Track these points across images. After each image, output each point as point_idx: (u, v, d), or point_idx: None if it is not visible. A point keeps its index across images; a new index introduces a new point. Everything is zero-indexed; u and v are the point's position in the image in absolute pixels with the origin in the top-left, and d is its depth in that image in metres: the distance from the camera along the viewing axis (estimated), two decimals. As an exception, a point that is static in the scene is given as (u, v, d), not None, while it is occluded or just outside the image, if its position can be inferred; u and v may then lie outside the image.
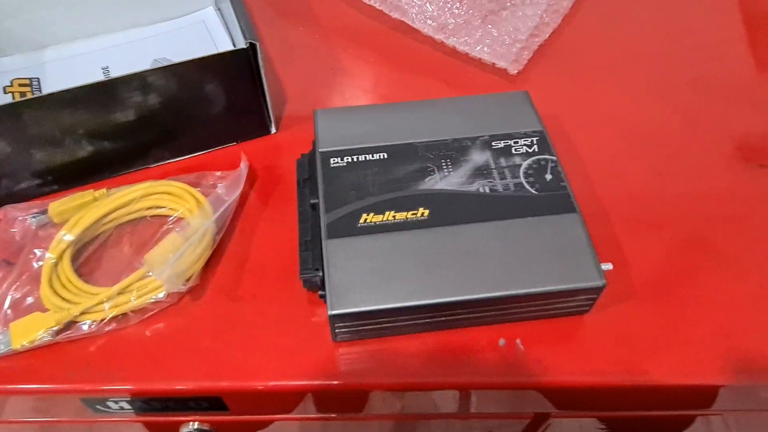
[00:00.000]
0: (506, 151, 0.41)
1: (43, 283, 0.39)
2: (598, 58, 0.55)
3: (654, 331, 0.38)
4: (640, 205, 0.45)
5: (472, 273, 0.36)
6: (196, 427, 0.42)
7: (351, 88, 0.54)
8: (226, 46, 0.55)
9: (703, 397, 0.39)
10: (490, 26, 0.53)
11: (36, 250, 0.40)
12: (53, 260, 0.39)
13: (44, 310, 0.38)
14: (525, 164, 0.40)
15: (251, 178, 0.46)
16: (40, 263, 0.40)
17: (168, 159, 0.48)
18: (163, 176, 0.45)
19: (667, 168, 0.47)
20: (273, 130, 0.50)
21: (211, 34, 0.56)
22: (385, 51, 0.56)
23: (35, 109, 0.41)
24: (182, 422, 0.42)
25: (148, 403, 0.39)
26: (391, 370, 0.37)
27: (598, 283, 0.35)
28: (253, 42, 0.43)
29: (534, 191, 0.39)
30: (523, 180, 0.40)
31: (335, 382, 0.36)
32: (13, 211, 0.43)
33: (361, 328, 0.36)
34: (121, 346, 0.38)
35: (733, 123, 0.50)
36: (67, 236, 0.40)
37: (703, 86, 0.53)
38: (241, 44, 0.44)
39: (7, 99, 0.51)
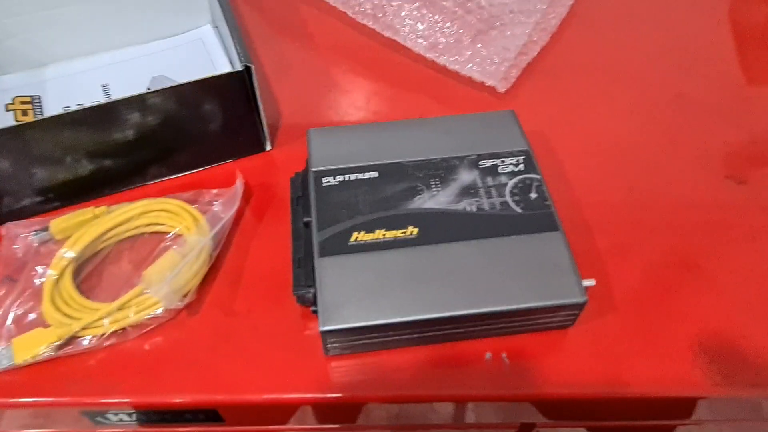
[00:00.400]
0: (493, 171, 0.43)
1: (44, 299, 0.40)
2: (584, 76, 0.57)
3: (634, 345, 0.39)
4: (623, 220, 0.46)
5: (459, 289, 0.37)
6: (193, 437, 0.44)
7: (345, 105, 0.55)
8: (223, 64, 0.56)
9: (683, 408, 0.41)
10: (479, 45, 0.55)
11: (38, 267, 0.42)
12: (55, 277, 0.41)
13: (46, 325, 0.39)
14: (511, 183, 0.42)
15: (246, 195, 0.48)
16: (42, 280, 0.41)
17: (166, 176, 0.49)
18: (161, 193, 0.46)
19: (648, 184, 0.48)
20: (268, 147, 0.51)
21: (208, 52, 0.58)
22: (378, 68, 0.58)
23: (38, 130, 0.42)
24: (180, 433, 0.44)
25: (146, 415, 0.40)
26: (382, 383, 0.38)
27: (579, 299, 0.37)
28: (248, 65, 0.44)
29: (519, 210, 0.40)
30: (508, 199, 0.41)
31: (328, 395, 0.37)
32: (15, 228, 0.44)
33: (352, 342, 0.38)
34: (120, 360, 0.39)
35: (712, 139, 0.51)
36: (68, 253, 0.42)
37: (684, 103, 0.54)
38: (238, 65, 0.46)
39: (9, 117, 0.53)
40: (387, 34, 0.58)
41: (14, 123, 0.42)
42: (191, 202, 0.45)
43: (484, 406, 0.41)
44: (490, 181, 0.42)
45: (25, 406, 0.38)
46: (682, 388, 0.38)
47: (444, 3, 0.55)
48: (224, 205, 0.44)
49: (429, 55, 0.56)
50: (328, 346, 0.37)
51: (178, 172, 0.50)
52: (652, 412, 0.41)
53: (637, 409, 0.40)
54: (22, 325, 0.39)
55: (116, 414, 0.40)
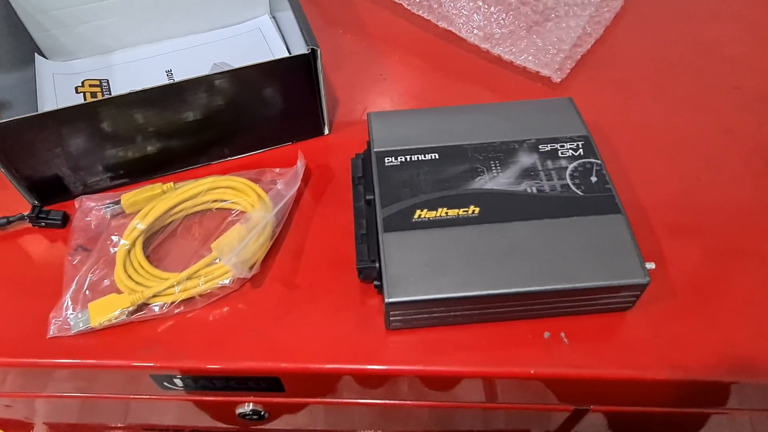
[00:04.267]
0: (553, 154, 0.43)
1: (117, 267, 0.42)
2: (638, 67, 0.57)
3: (694, 330, 0.39)
4: (679, 209, 0.46)
5: (520, 267, 0.38)
6: (251, 408, 0.45)
7: (398, 93, 0.56)
8: (280, 51, 0.58)
9: (741, 394, 0.40)
10: (534, 36, 0.55)
11: (113, 237, 0.43)
12: (127, 246, 0.43)
13: (120, 292, 0.41)
14: (571, 167, 0.42)
15: (306, 176, 0.49)
16: (115, 249, 0.43)
17: (228, 156, 0.51)
18: (223, 172, 0.48)
19: (703, 172, 0.48)
20: (326, 131, 0.53)
21: (267, 41, 0.60)
22: (432, 58, 0.59)
23: (110, 108, 0.44)
24: (239, 403, 0.45)
25: (211, 382, 0.41)
26: (442, 358, 0.39)
27: (642, 280, 0.37)
28: (314, 48, 0.46)
29: (580, 192, 0.41)
30: (569, 181, 0.41)
31: (389, 367, 0.38)
32: (88, 201, 0.46)
33: (413, 316, 0.38)
34: (188, 327, 0.40)
35: (772, 132, 0.51)
36: (139, 225, 0.43)
37: (741, 95, 0.54)
38: (297, 50, 0.47)
39: (78, 98, 0.55)
40: (442, 24, 0.59)
41: (92, 100, 0.44)
42: (255, 180, 0.47)
43: (539, 385, 0.41)
44: (550, 164, 0.43)
45: (99, 367, 0.40)
46: (742, 374, 0.38)
47: (500, -6, 0.56)
48: (286, 183, 0.46)
49: (484, 46, 0.57)
50: (391, 318, 0.38)
51: (240, 153, 0.51)
52: (709, 397, 0.40)
53: (694, 393, 0.40)
54: (97, 291, 0.41)
55: (183, 379, 0.41)
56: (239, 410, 0.45)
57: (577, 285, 0.37)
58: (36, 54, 0.56)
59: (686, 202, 0.46)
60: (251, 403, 0.45)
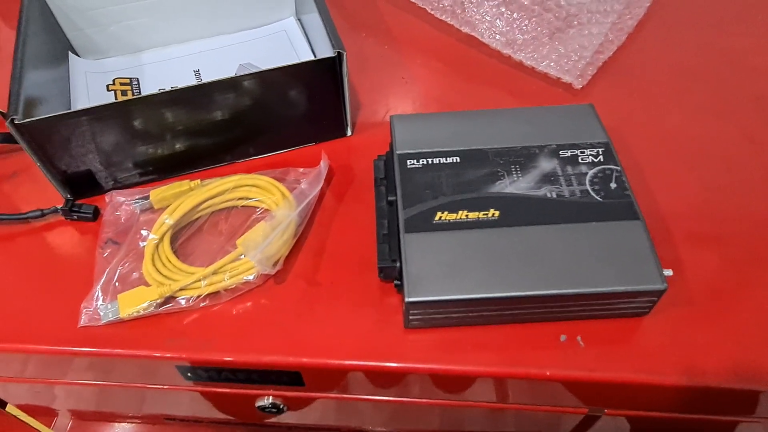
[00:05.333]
0: (573, 160, 0.44)
1: (146, 261, 0.43)
2: (660, 75, 0.57)
3: (711, 336, 0.40)
4: (698, 217, 0.46)
5: (538, 271, 0.38)
6: (270, 401, 0.46)
7: (420, 97, 0.57)
8: (306, 54, 0.59)
9: (757, 402, 0.41)
10: (557, 43, 0.56)
11: (142, 231, 0.45)
12: (156, 240, 0.44)
13: (147, 285, 0.42)
14: (591, 173, 0.43)
15: (329, 176, 0.50)
16: (144, 243, 0.44)
17: (252, 155, 0.52)
18: (247, 171, 0.49)
19: (725, 181, 0.49)
20: (349, 132, 0.54)
21: (292, 43, 0.61)
22: (454, 62, 0.60)
23: (141, 107, 0.46)
24: (259, 396, 0.46)
25: (234, 374, 0.42)
26: (458, 358, 0.40)
27: (659, 286, 0.37)
28: (341, 51, 0.47)
29: (599, 198, 0.41)
30: (588, 187, 0.42)
31: (408, 365, 0.39)
32: (118, 196, 0.48)
33: (432, 316, 0.39)
34: (213, 320, 0.42)
35: (795, 142, 0.51)
36: (167, 220, 0.45)
37: (764, 106, 0.54)
38: (324, 53, 0.48)
39: (110, 96, 0.57)
40: (465, 29, 0.59)
41: (124, 99, 0.45)
42: (279, 179, 0.48)
43: (555, 387, 0.41)
44: (570, 169, 0.43)
45: (127, 357, 0.41)
46: (759, 381, 0.38)
47: (523, 1, 0.57)
48: (310, 183, 0.47)
49: (506, 51, 0.57)
50: (410, 317, 0.39)
51: (264, 153, 0.52)
52: (724, 404, 0.41)
53: (709, 400, 0.40)
54: (126, 283, 0.43)
55: (206, 371, 0.42)
56: (259, 403, 0.47)
57: (595, 290, 0.37)
58: (69, 52, 0.58)
59: (705, 210, 0.47)
60: (271, 397, 0.46)
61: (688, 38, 0.61)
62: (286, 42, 0.62)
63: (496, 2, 0.57)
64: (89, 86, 0.57)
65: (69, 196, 0.49)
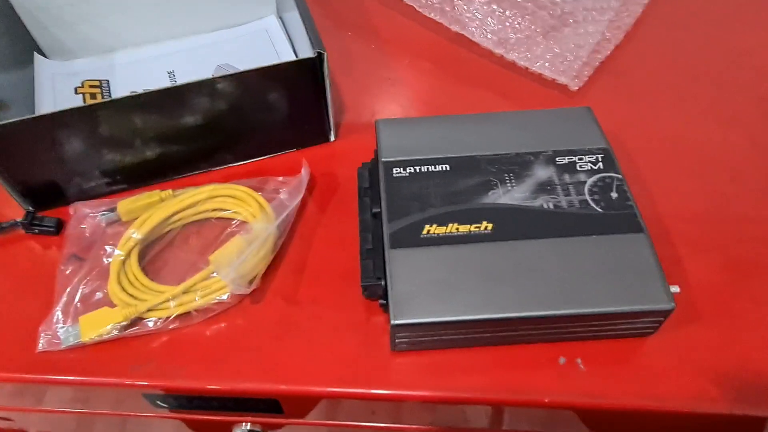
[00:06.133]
0: (571, 168, 0.41)
1: (111, 279, 0.40)
2: (659, 76, 0.55)
3: (721, 357, 0.37)
4: (704, 226, 0.44)
5: (535, 289, 0.35)
6: (248, 428, 0.43)
7: (408, 99, 0.54)
8: (287, 54, 0.56)
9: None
10: (551, 42, 0.53)
11: (106, 247, 0.42)
12: (122, 257, 0.41)
13: (112, 305, 0.39)
14: (590, 181, 0.40)
15: (310, 185, 0.47)
16: (109, 260, 0.41)
17: (230, 163, 0.49)
18: (225, 179, 0.46)
19: (729, 187, 0.46)
20: (332, 137, 0.51)
21: (273, 42, 0.58)
22: (443, 63, 0.57)
23: (109, 111, 0.43)
24: (235, 422, 0.43)
25: (207, 402, 0.39)
26: (448, 383, 0.37)
27: (667, 305, 0.35)
28: (321, 51, 0.44)
29: (599, 209, 0.39)
30: (587, 197, 0.39)
31: (393, 392, 0.36)
32: (83, 207, 0.45)
33: (421, 338, 0.36)
34: (184, 344, 0.39)
35: (802, 146, 0.48)
36: (135, 234, 0.42)
37: (769, 107, 0.51)
38: (304, 53, 0.45)
39: (78, 99, 0.53)
40: (454, 28, 0.57)
41: (90, 102, 0.42)
42: (257, 189, 0.45)
43: (553, 415, 0.39)
44: (567, 178, 0.40)
45: (88, 385, 0.38)
46: (771, 407, 0.36)
47: (515, -2, 0.54)
48: (290, 193, 0.44)
49: (498, 51, 0.54)
50: (397, 341, 0.36)
51: (243, 159, 0.49)
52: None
53: (721, 428, 0.37)
54: (89, 304, 0.39)
55: (177, 398, 0.39)
56: (236, 430, 0.43)
57: (596, 310, 0.34)
58: (35, 53, 0.55)
59: (711, 219, 0.44)
60: (248, 424, 0.43)
61: (689, 36, 0.58)
62: (267, 42, 0.58)
63: (488, -1, 0.55)
64: (56, 89, 0.54)
65: (30, 207, 0.45)
